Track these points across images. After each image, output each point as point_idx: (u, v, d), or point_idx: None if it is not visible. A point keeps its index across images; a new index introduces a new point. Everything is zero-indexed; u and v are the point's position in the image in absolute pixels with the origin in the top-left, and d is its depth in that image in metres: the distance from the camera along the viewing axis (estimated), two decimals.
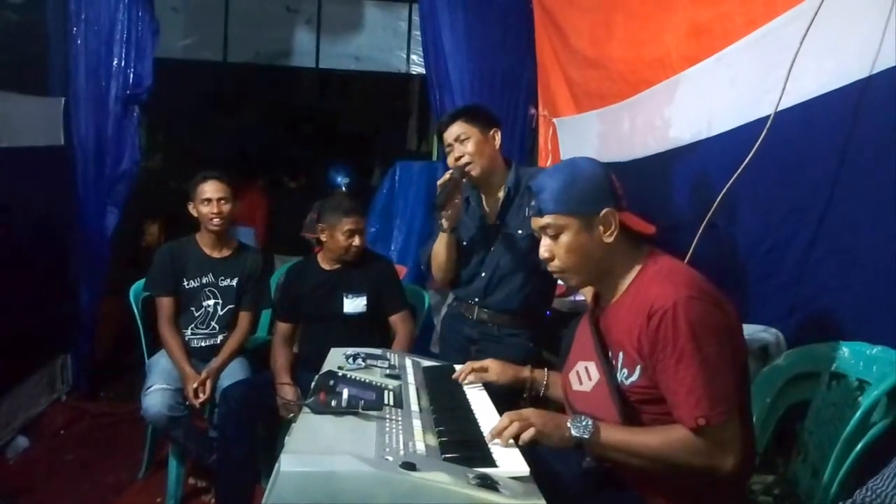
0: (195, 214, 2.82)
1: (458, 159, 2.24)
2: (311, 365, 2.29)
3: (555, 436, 1.34)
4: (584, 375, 1.48)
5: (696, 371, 1.29)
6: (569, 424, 1.35)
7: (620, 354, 1.42)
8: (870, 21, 1.57)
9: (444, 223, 2.24)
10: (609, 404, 1.40)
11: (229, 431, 2.43)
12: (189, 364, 2.66)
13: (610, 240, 1.43)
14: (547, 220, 1.45)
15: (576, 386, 1.51)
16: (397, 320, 2.67)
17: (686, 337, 1.30)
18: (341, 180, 4.79)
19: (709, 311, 1.33)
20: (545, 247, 1.48)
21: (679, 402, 1.31)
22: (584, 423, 1.34)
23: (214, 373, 2.66)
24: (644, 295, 1.38)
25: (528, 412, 1.37)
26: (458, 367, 1.88)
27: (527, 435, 1.32)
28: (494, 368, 1.79)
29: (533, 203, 1.49)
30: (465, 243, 2.34)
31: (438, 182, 2.20)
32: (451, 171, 2.21)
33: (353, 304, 2.64)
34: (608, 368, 1.44)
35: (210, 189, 2.77)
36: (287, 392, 2.52)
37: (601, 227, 1.43)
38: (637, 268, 1.46)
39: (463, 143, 2.24)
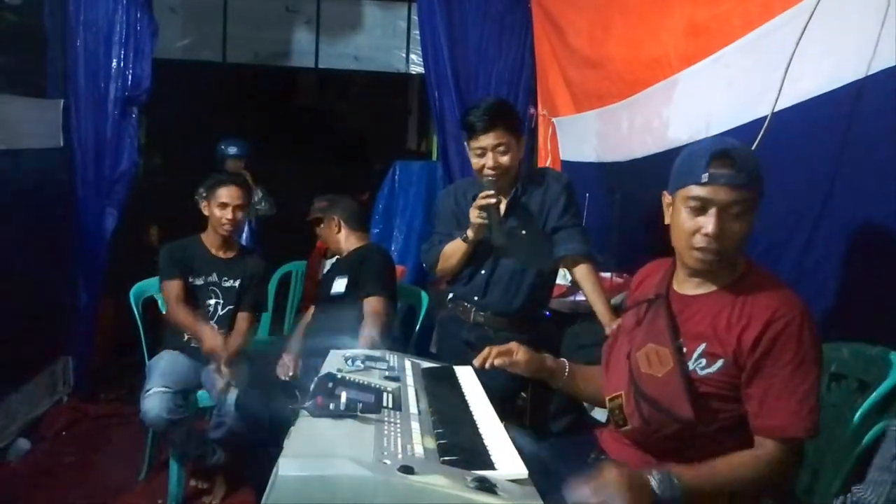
0: (206, 213, 2.84)
1: (491, 168, 2.20)
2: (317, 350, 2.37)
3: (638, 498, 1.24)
4: (655, 359, 1.45)
5: (813, 383, 1.32)
6: (652, 482, 1.26)
7: (702, 345, 1.40)
8: (866, 22, 1.57)
9: (470, 235, 2.22)
10: (681, 395, 1.39)
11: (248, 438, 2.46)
12: (206, 324, 2.72)
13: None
14: (745, 194, 1.33)
15: (644, 368, 1.47)
16: (366, 303, 2.68)
17: (810, 349, 1.33)
18: (231, 150, 4.71)
19: (818, 335, 1.36)
20: (717, 224, 1.33)
21: (786, 410, 1.32)
22: (667, 479, 1.27)
23: (231, 350, 2.67)
24: (764, 297, 1.36)
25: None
26: (457, 368, 1.87)
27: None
28: (522, 354, 1.67)
29: (725, 170, 1.32)
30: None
31: (480, 204, 2.14)
32: (487, 192, 2.15)
33: (337, 286, 2.76)
34: (681, 358, 1.42)
35: (228, 194, 2.79)
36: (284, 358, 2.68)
37: (754, 211, 1.36)
38: (741, 265, 1.43)
39: (501, 155, 2.21)
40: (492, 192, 2.16)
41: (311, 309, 2.97)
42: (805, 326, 1.32)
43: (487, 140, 2.21)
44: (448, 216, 2.42)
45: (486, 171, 2.22)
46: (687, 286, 1.49)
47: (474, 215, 2.18)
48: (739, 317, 1.37)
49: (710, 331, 1.40)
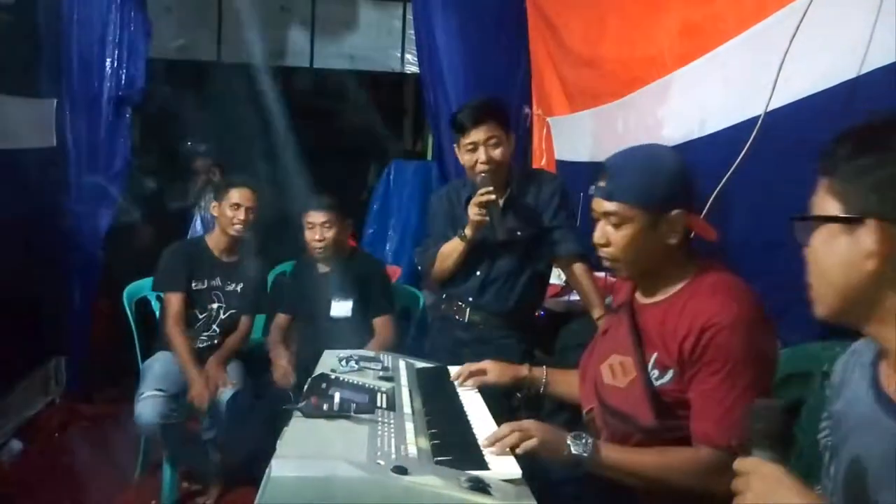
0: (215, 214, 2.83)
1: (484, 162, 2.18)
2: (302, 365, 2.33)
3: (554, 450, 1.32)
4: (619, 370, 1.45)
5: (742, 393, 1.29)
6: (569, 442, 1.32)
7: (655, 354, 1.40)
8: (859, 20, 1.57)
9: (468, 233, 2.21)
10: (643, 402, 1.38)
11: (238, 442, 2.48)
12: (196, 367, 2.63)
13: (673, 242, 1.38)
14: (613, 206, 1.38)
15: (608, 379, 1.48)
16: (378, 323, 2.70)
17: (740, 358, 1.29)
18: (200, 148, 4.68)
19: (765, 339, 1.33)
20: (602, 232, 1.43)
21: (712, 418, 1.30)
22: (583, 441, 1.32)
23: (216, 369, 2.65)
24: (700, 304, 1.35)
25: (530, 423, 1.35)
26: (451, 368, 1.87)
27: (527, 445, 1.30)
28: (493, 370, 1.76)
29: (601, 183, 1.40)
30: None
31: (479, 201, 2.13)
32: (486, 189, 2.14)
33: (341, 309, 2.68)
34: (643, 366, 1.41)
35: (240, 195, 2.79)
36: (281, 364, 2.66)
37: (666, 228, 1.38)
38: (691, 272, 1.42)
39: (493, 148, 2.19)
40: (490, 188, 2.14)
41: (285, 316, 2.89)
42: (737, 333, 1.29)
43: (478, 135, 2.19)
44: (442, 218, 2.41)
45: (479, 167, 2.20)
46: (642, 295, 1.50)
47: (474, 212, 2.17)
48: (679, 326, 1.35)
49: (658, 340, 1.40)
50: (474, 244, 2.27)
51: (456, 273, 2.34)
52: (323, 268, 2.79)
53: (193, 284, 2.79)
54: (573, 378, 1.70)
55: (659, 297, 1.44)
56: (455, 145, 2.31)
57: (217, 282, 2.82)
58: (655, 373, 1.39)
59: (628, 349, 1.45)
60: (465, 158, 2.25)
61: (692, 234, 1.44)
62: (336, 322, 2.67)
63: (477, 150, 2.20)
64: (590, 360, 1.60)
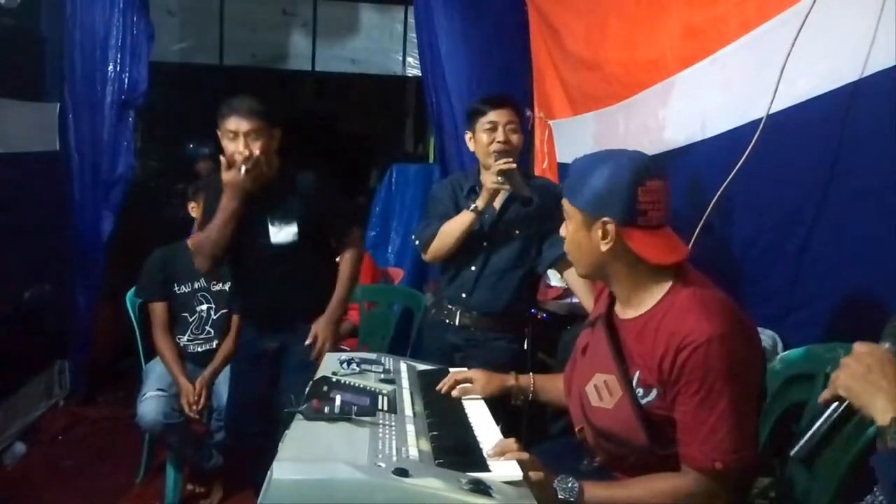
0: (194, 215, 2.82)
1: (501, 142, 2.18)
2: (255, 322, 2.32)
3: (544, 495, 1.27)
4: (605, 390, 1.42)
5: (723, 412, 1.26)
6: (555, 486, 1.30)
7: (637, 373, 1.38)
8: (862, 23, 1.57)
9: (480, 204, 2.18)
10: (633, 423, 1.36)
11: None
12: (184, 374, 2.65)
13: (605, 248, 1.37)
14: (564, 203, 1.45)
15: (595, 402, 1.45)
16: (347, 240, 2.41)
17: (717, 377, 1.26)
18: (203, 151, 4.64)
19: (743, 349, 1.29)
20: (562, 228, 1.49)
21: (696, 441, 1.28)
22: (569, 486, 1.29)
23: (208, 380, 2.66)
24: (674, 322, 1.31)
25: (532, 461, 1.30)
26: (452, 370, 1.87)
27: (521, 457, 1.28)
28: (479, 381, 1.70)
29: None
30: None
31: (501, 169, 2.11)
32: (506, 159, 2.13)
33: (283, 234, 2.27)
34: (628, 383, 1.38)
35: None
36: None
37: (596, 233, 1.37)
38: (665, 287, 1.37)
39: (511, 132, 2.21)
40: (510, 158, 2.14)
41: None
42: (711, 352, 1.25)
43: (500, 116, 2.20)
44: (446, 201, 2.36)
45: (496, 146, 2.19)
46: (621, 309, 1.47)
47: (491, 181, 2.15)
48: (656, 345, 1.33)
49: (639, 359, 1.38)
50: (469, 240, 2.24)
51: (454, 255, 2.29)
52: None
53: (178, 289, 2.79)
54: (561, 383, 1.68)
55: (636, 313, 1.42)
56: (468, 134, 2.30)
57: (202, 283, 2.81)
58: (640, 391, 1.37)
59: (611, 367, 1.42)
60: (481, 139, 2.23)
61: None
62: (281, 252, 2.27)
63: (496, 129, 2.20)
64: (573, 376, 1.58)
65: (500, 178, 2.13)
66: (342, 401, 1.36)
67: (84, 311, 3.66)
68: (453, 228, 2.23)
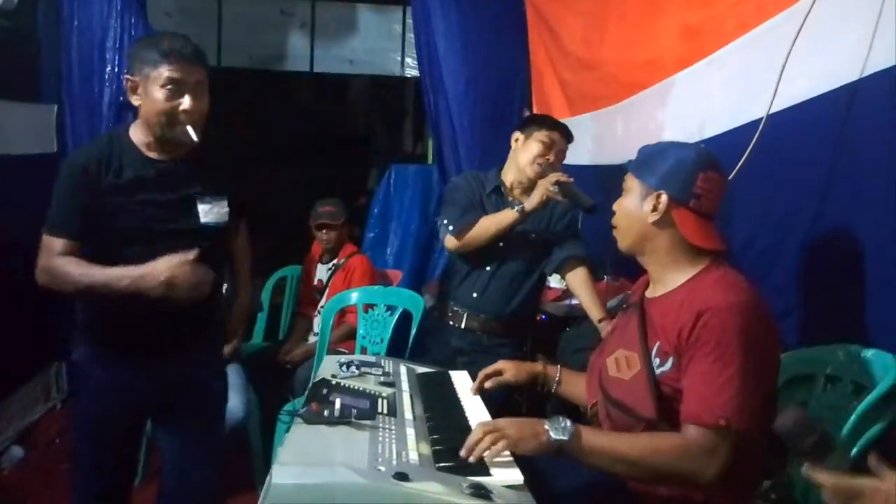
0: None
1: (551, 163, 2.30)
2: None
3: (532, 442, 1.28)
4: (624, 364, 1.47)
5: (733, 375, 1.28)
6: (546, 427, 1.29)
7: (657, 343, 1.42)
8: (861, 24, 1.57)
9: (528, 208, 2.21)
10: (646, 395, 1.39)
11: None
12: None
13: (651, 220, 1.44)
14: (627, 175, 1.52)
15: (612, 372, 1.49)
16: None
17: (733, 340, 1.30)
18: None
19: (762, 325, 1.34)
20: (617, 201, 1.54)
21: (703, 398, 1.29)
22: (562, 425, 1.29)
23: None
24: (699, 295, 1.38)
25: (502, 422, 1.32)
26: (452, 373, 1.87)
27: (499, 448, 1.26)
28: (510, 369, 1.73)
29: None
30: None
31: (560, 180, 2.18)
32: (562, 173, 2.23)
33: (211, 213, 1.82)
34: (648, 361, 1.42)
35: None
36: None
37: (650, 205, 1.44)
38: (697, 268, 1.44)
39: (560, 155, 2.34)
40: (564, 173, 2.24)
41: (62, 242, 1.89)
42: (732, 317, 1.31)
43: (560, 141, 2.34)
44: (469, 193, 2.39)
45: (542, 160, 2.30)
46: (652, 290, 1.53)
47: (548, 188, 2.18)
48: (680, 314, 1.38)
49: (660, 330, 1.43)
50: (485, 246, 2.29)
51: (476, 251, 2.32)
52: (162, 153, 1.80)
53: None
54: (583, 381, 1.70)
55: (665, 290, 1.48)
56: (517, 134, 2.39)
57: None
58: (657, 361, 1.41)
59: (635, 344, 1.46)
60: (531, 147, 2.32)
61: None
62: (209, 233, 1.83)
63: (551, 148, 2.31)
64: (598, 357, 1.61)
65: (555, 187, 2.18)
66: (342, 404, 1.36)
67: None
68: (493, 223, 2.27)
